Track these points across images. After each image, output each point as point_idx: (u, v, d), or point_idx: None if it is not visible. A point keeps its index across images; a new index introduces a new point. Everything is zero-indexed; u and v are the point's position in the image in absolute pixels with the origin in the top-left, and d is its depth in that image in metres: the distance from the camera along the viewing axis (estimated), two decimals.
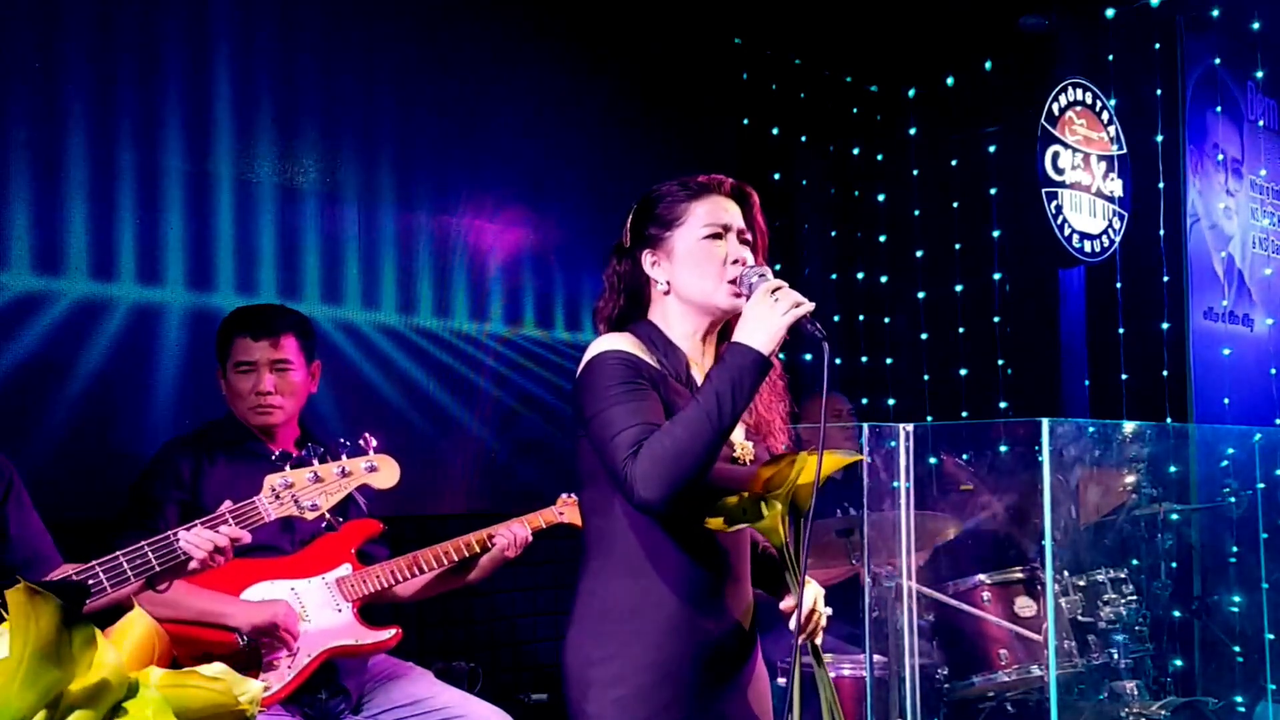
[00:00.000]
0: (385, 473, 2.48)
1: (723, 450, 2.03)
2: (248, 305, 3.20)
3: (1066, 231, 5.09)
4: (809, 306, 1.98)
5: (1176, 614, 4.64)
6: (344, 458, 2.44)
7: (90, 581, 2.13)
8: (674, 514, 1.97)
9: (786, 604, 2.10)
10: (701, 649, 2.04)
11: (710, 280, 2.09)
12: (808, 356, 4.89)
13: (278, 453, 2.44)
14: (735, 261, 2.09)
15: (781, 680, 3.30)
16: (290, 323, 3.03)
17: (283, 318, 3.04)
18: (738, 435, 2.12)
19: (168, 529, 2.33)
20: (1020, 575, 3.94)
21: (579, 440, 2.08)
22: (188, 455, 2.91)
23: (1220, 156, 5.79)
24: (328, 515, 2.41)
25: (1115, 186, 5.36)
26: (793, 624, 2.05)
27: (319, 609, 2.89)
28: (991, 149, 5.44)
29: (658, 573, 2.03)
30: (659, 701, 2.00)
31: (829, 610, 2.14)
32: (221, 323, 3.05)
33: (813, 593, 2.11)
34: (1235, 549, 4.69)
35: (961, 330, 5.46)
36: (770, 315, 1.97)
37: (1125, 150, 5.42)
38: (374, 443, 2.46)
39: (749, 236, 2.14)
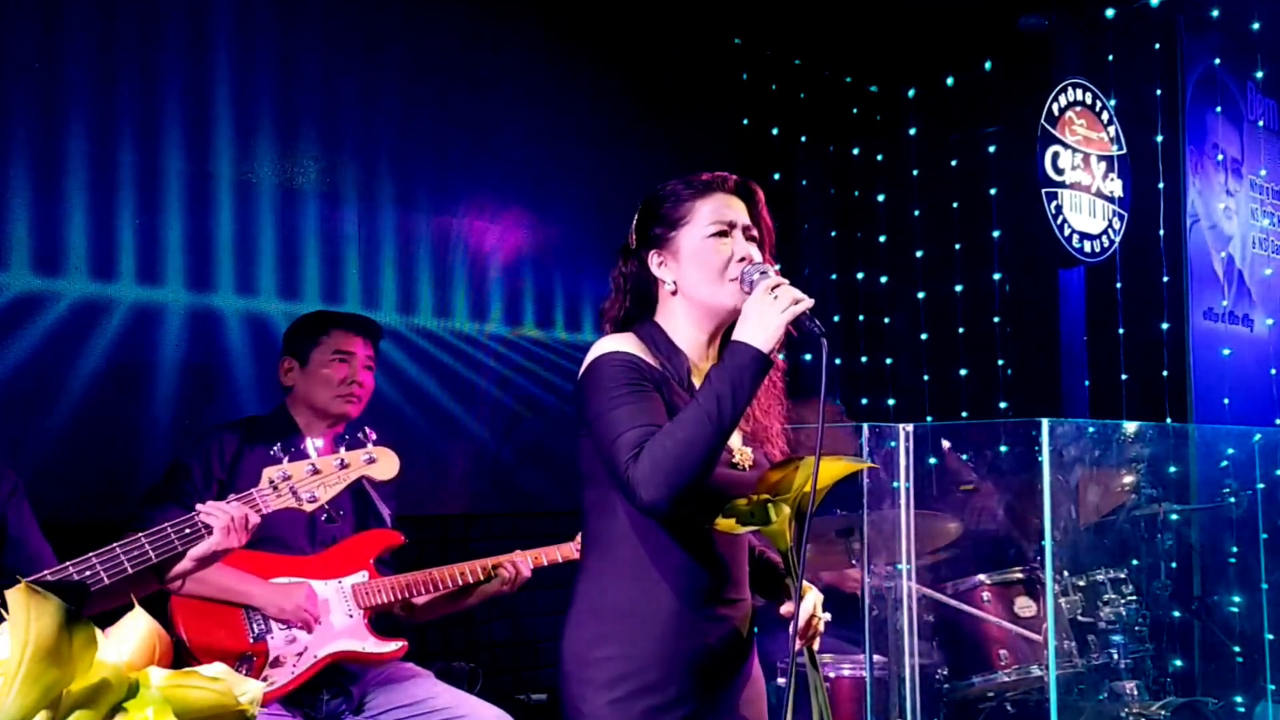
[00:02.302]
0: (384, 464, 2.47)
1: (722, 455, 2.03)
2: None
3: (1066, 231, 5.10)
4: (808, 303, 1.97)
5: (1176, 614, 4.64)
6: (342, 449, 2.43)
7: (87, 574, 2.12)
8: (677, 516, 1.96)
9: (786, 608, 2.09)
10: (699, 652, 2.03)
11: (716, 279, 2.08)
12: (807, 357, 4.89)
13: (277, 445, 2.44)
14: (741, 259, 2.07)
15: (781, 680, 3.30)
16: (381, 333, 3.25)
17: (376, 326, 3.24)
18: (735, 441, 2.11)
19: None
20: (1020, 575, 3.95)
21: (580, 440, 2.07)
22: (233, 439, 2.97)
23: (1220, 156, 5.79)
24: (327, 507, 2.40)
25: (1115, 186, 5.36)
26: (797, 625, 2.05)
27: (332, 612, 2.92)
28: (991, 149, 5.43)
29: (657, 575, 2.02)
30: (655, 703, 1.99)
31: (827, 615, 2.14)
32: (310, 318, 3.19)
33: (812, 598, 2.11)
34: (1235, 549, 4.69)
35: (961, 330, 5.46)
36: (769, 313, 1.96)
37: (1125, 150, 5.42)
38: (373, 435, 2.46)
39: (755, 233, 2.13)
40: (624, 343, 2.06)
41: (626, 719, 1.98)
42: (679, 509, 1.91)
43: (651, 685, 2.00)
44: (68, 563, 2.19)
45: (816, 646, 2.13)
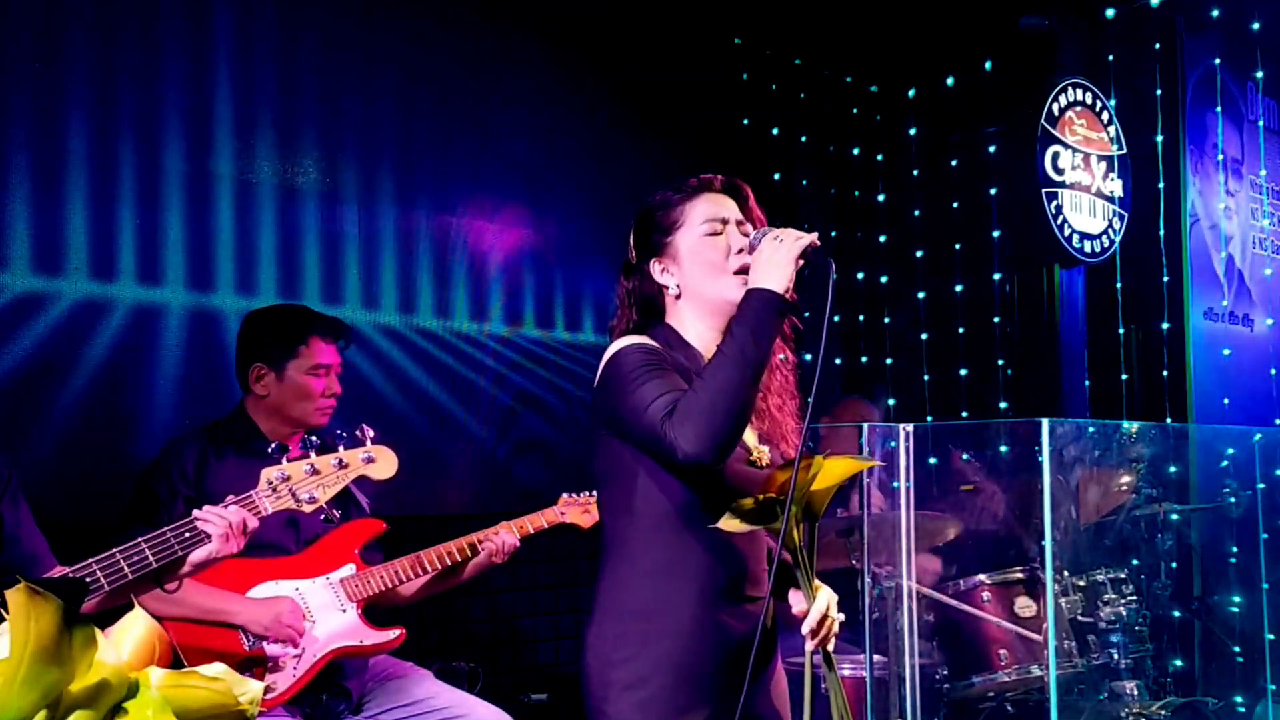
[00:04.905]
0: (382, 463, 2.46)
1: (739, 453, 2.04)
2: (302, 307, 3.23)
3: (1066, 231, 5.09)
4: (812, 237, 2.02)
5: (1176, 614, 4.64)
6: (341, 449, 2.42)
7: (87, 580, 2.12)
8: (701, 512, 1.97)
9: (799, 609, 2.09)
10: (723, 649, 2.04)
11: (717, 274, 2.11)
12: (807, 357, 4.89)
13: (274, 445, 2.44)
14: (740, 251, 2.11)
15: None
16: (352, 335, 3.19)
17: (348, 328, 3.15)
18: (752, 439, 2.13)
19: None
20: (1020, 575, 3.94)
21: (598, 441, 2.08)
22: (193, 450, 2.93)
23: (1220, 156, 5.78)
24: (325, 508, 2.39)
25: (1115, 186, 5.36)
26: (805, 628, 2.05)
27: (324, 609, 2.90)
28: (991, 149, 5.43)
29: (678, 573, 2.03)
30: (680, 702, 2.00)
31: (841, 615, 2.12)
32: (283, 325, 3.05)
33: (825, 597, 2.10)
34: (1235, 549, 4.68)
35: (961, 330, 5.46)
36: (777, 254, 2.00)
37: (1125, 150, 5.41)
38: (371, 433, 2.45)
39: (748, 228, 2.16)
40: (637, 339, 2.09)
41: (652, 718, 1.99)
42: (721, 459, 1.92)
43: (676, 683, 2.00)
44: (67, 568, 2.18)
45: (831, 647, 2.11)
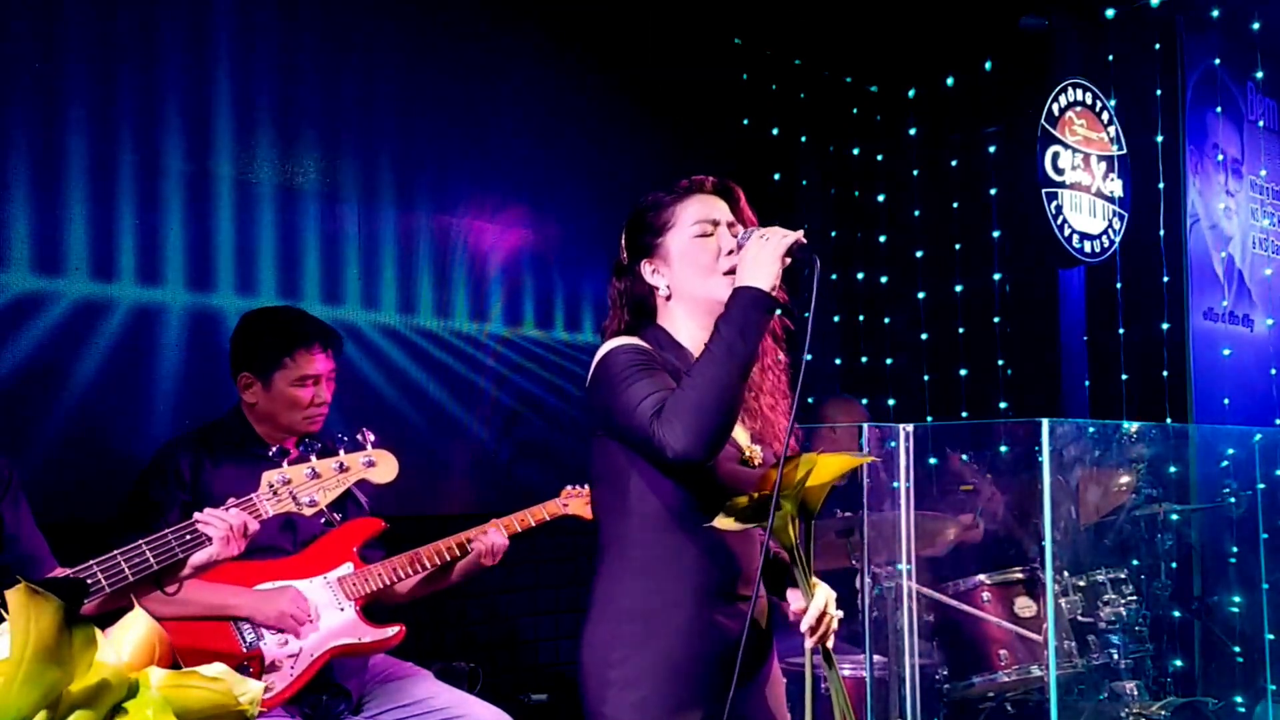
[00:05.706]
0: (383, 467, 2.47)
1: (731, 453, 2.04)
2: (295, 312, 3.16)
3: (1066, 231, 5.09)
4: (797, 235, 2.04)
5: (1176, 614, 4.64)
6: (342, 453, 2.42)
7: (88, 581, 2.12)
8: (697, 510, 1.97)
9: (796, 606, 2.09)
10: (719, 649, 2.04)
11: (707, 274, 2.11)
12: (808, 357, 4.88)
13: (275, 449, 2.44)
14: (730, 253, 2.11)
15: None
16: (342, 341, 3.11)
17: (337, 335, 3.09)
18: (744, 438, 2.13)
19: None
20: (1020, 575, 3.94)
21: (592, 441, 2.09)
22: (188, 455, 2.92)
23: (1220, 156, 5.78)
24: (326, 511, 2.40)
25: (1115, 187, 5.36)
26: (803, 626, 2.05)
27: (322, 608, 2.90)
28: (991, 149, 5.43)
29: (673, 573, 2.04)
30: (677, 702, 2.00)
31: (840, 613, 2.13)
32: (269, 335, 3.01)
33: (824, 595, 2.10)
34: (1235, 549, 4.68)
35: (961, 330, 5.46)
36: (763, 252, 2.02)
37: (1125, 150, 5.41)
38: (372, 437, 2.46)
39: (739, 230, 2.17)
40: (627, 339, 2.09)
41: (648, 717, 1.99)
42: (710, 457, 1.93)
43: (670, 684, 2.01)
44: (68, 569, 2.18)
45: (830, 645, 2.11)
